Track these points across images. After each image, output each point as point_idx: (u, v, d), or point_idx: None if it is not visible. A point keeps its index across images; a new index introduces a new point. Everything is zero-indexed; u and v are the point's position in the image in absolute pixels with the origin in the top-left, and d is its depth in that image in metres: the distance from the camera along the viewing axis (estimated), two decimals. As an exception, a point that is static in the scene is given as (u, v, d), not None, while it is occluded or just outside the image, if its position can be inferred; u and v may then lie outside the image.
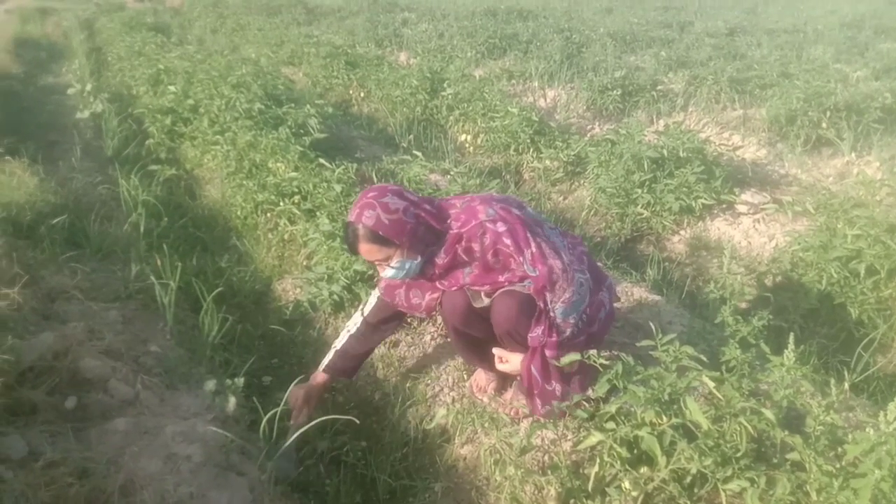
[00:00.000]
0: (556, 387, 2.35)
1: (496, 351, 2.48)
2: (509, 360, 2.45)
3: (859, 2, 20.51)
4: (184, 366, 2.85)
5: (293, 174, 4.45)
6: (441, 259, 2.37)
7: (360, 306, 2.78)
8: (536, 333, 2.28)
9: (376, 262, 2.39)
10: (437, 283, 2.46)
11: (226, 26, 14.79)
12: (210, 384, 2.66)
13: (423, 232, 2.33)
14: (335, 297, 3.35)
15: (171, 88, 6.77)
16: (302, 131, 5.50)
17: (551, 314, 2.27)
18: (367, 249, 2.31)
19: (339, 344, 2.73)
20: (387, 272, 2.38)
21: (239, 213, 4.70)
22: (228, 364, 3.09)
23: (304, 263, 3.90)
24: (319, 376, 2.74)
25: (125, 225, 4.14)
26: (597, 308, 2.44)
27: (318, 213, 4.00)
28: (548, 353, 2.29)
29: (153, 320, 3.19)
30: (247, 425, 2.62)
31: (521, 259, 2.27)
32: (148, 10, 18.14)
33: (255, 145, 5.05)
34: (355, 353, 2.73)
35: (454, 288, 2.44)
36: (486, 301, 2.44)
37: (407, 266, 2.36)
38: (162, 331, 3.13)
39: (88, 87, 7.52)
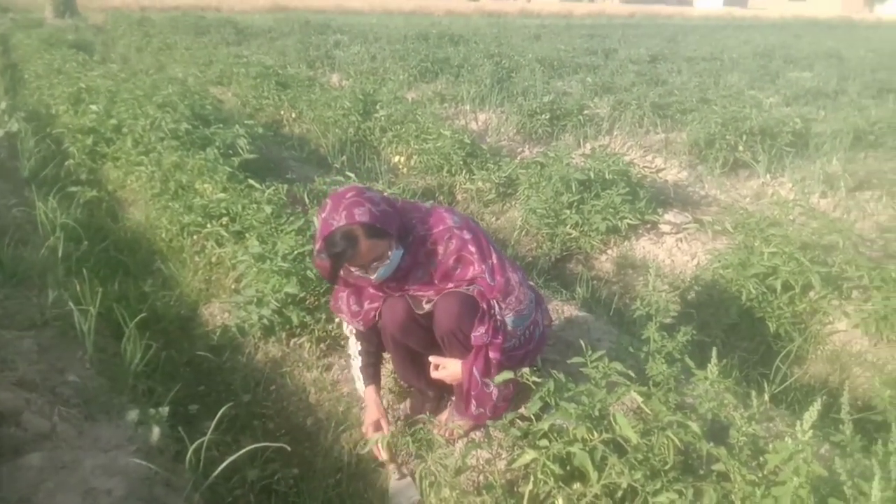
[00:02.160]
0: (494, 390, 2.37)
1: (432, 358, 2.47)
2: (446, 367, 2.44)
3: (770, 34, 21.78)
4: (104, 396, 2.72)
5: (221, 195, 4.35)
6: (404, 261, 2.34)
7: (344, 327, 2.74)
8: (480, 332, 2.30)
9: (372, 263, 2.24)
10: (385, 287, 2.41)
11: (152, 45, 14.42)
12: (132, 414, 2.54)
13: (399, 223, 2.31)
14: (265, 321, 3.27)
15: (93, 108, 6.53)
16: (231, 152, 5.39)
17: (497, 317, 2.30)
18: (369, 247, 2.18)
19: (357, 364, 2.65)
20: (380, 271, 2.26)
21: (164, 235, 4.55)
22: (152, 393, 2.97)
23: (233, 287, 3.80)
24: (370, 392, 2.60)
25: (42, 249, 3.94)
26: (534, 327, 2.50)
27: (247, 235, 3.92)
28: (492, 354, 2.32)
29: (71, 349, 3.04)
30: (172, 456, 2.51)
31: (482, 267, 2.29)
32: (69, 26, 17.54)
33: (182, 166, 4.92)
34: (376, 359, 2.67)
35: (398, 294, 2.42)
36: (427, 307, 2.43)
37: (398, 258, 2.29)
38: (81, 359, 2.98)
39: (3, 105, 7.18)
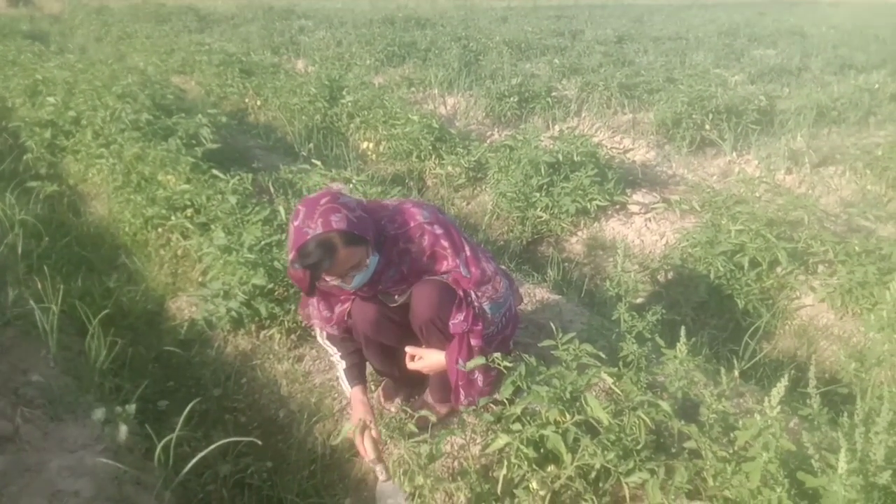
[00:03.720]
0: (479, 377, 2.35)
1: (409, 349, 2.43)
2: (423, 357, 2.40)
3: (735, 12, 21.95)
4: (70, 395, 2.66)
5: (185, 187, 4.27)
6: (378, 264, 2.27)
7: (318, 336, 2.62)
8: (459, 320, 2.26)
9: (349, 272, 2.16)
10: (357, 291, 2.33)
11: (111, 34, 14.08)
12: (99, 413, 2.49)
13: (374, 227, 2.23)
14: (233, 313, 3.22)
15: (51, 100, 6.37)
16: (194, 142, 5.29)
17: (475, 304, 2.28)
18: (347, 255, 2.08)
19: (341, 368, 2.53)
20: (357, 278, 2.19)
21: (127, 229, 4.45)
22: (119, 390, 2.91)
23: (200, 280, 3.73)
24: (356, 392, 2.45)
25: (0, 247, 3.84)
26: (508, 311, 2.49)
27: (212, 227, 3.85)
28: (473, 342, 2.28)
29: (34, 348, 2.96)
30: (142, 454, 2.47)
31: (457, 261, 2.25)
32: (23, 16, 17.05)
33: (144, 158, 4.81)
34: (359, 358, 2.55)
35: (370, 294, 2.36)
36: (400, 300, 2.39)
37: (374, 264, 2.22)
38: (44, 358, 2.91)
39: (-45, 98, 6.97)
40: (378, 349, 2.53)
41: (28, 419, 2.43)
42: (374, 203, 2.40)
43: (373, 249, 2.19)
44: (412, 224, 2.27)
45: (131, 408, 2.53)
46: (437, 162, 5.90)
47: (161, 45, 11.83)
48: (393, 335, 2.45)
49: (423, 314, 2.30)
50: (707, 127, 6.12)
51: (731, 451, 1.94)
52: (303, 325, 3.27)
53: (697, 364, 2.20)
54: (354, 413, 2.42)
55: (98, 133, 5.58)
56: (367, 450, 2.30)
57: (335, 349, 2.53)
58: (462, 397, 2.38)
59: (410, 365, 2.45)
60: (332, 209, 2.06)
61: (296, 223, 2.07)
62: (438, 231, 2.27)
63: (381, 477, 2.32)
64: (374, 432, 2.33)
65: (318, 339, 2.59)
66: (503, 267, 2.83)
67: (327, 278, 2.18)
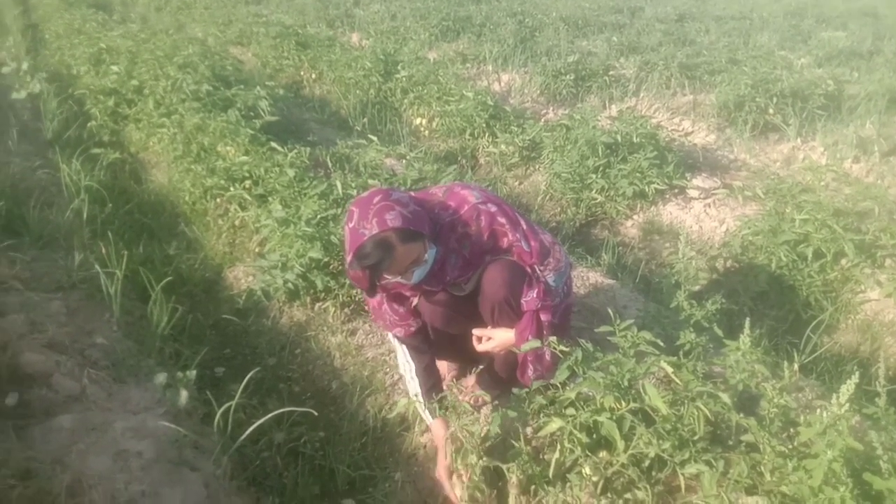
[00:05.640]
0: (546, 351, 2.34)
1: (477, 331, 2.44)
2: (493, 336, 2.41)
3: (802, -10, 21.01)
4: (132, 358, 2.75)
5: (243, 158, 4.34)
6: (437, 254, 2.26)
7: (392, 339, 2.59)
8: (531, 297, 2.26)
9: (408, 268, 2.15)
10: (423, 285, 2.32)
11: (171, 4, 14.31)
12: (160, 377, 2.57)
13: (429, 219, 2.21)
14: (290, 285, 3.27)
15: (114, 68, 6.51)
16: (252, 114, 5.36)
17: (541, 279, 2.28)
18: (405, 252, 2.07)
19: (415, 387, 2.49)
20: (416, 272, 2.18)
21: (187, 198, 4.56)
22: (179, 356, 3.00)
23: (257, 250, 3.80)
24: (439, 428, 2.41)
25: (67, 211, 3.97)
26: (568, 278, 2.49)
27: (270, 199, 3.90)
28: (544, 317, 2.29)
29: (99, 311, 3.07)
30: (200, 419, 2.55)
31: (517, 235, 2.25)
32: (87, -15, 17.39)
33: (204, 128, 4.90)
34: (437, 378, 2.55)
35: (438, 286, 2.36)
36: (468, 287, 2.38)
37: (433, 257, 2.21)
38: (108, 322, 3.01)
39: (25, 65, 7.16)
40: (442, 337, 2.55)
41: (94, 380, 2.52)
42: (423, 193, 2.39)
43: (430, 242, 2.18)
44: (466, 207, 2.25)
45: (192, 373, 2.60)
46: (490, 140, 5.85)
47: (219, 15, 11.97)
48: (459, 325, 2.47)
49: (496, 294, 2.29)
50: (771, 111, 5.91)
51: (791, 447, 1.90)
52: (357, 299, 3.30)
53: (759, 357, 2.15)
54: (441, 450, 2.39)
55: (159, 102, 5.70)
56: (458, 496, 2.26)
57: (411, 361, 2.49)
58: (530, 372, 2.39)
59: (480, 347, 2.45)
60: (386, 207, 2.05)
61: (351, 225, 2.07)
62: (493, 209, 2.26)
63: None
64: (465, 477, 2.26)
65: (393, 343, 2.56)
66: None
67: (387, 276, 2.18)
